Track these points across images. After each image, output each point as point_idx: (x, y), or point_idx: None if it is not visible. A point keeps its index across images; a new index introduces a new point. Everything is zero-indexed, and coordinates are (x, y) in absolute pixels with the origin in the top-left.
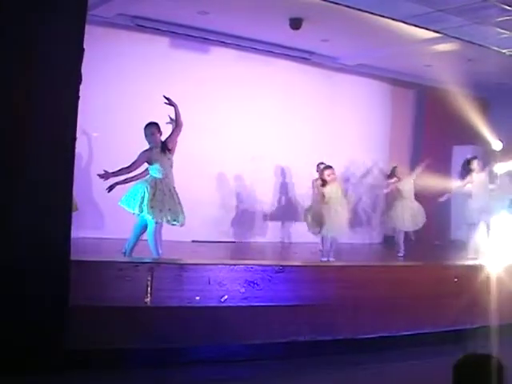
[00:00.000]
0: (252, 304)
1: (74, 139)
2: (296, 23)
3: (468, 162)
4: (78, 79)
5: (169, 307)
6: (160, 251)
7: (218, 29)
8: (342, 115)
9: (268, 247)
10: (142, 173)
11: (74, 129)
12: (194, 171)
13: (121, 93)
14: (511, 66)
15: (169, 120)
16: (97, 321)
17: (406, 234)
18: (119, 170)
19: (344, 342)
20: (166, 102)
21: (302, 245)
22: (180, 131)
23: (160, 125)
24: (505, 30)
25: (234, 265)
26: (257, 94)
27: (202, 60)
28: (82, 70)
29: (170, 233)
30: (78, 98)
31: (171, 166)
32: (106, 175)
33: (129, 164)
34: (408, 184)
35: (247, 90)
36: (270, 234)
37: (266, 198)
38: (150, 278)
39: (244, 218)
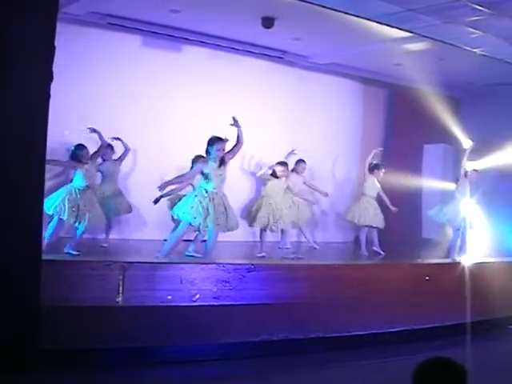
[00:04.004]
0: (224, 303)
1: (45, 138)
2: (268, 22)
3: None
4: (49, 78)
5: (141, 307)
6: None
7: (190, 27)
8: (314, 114)
9: (238, 246)
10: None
11: (44, 128)
12: (163, 168)
13: (92, 91)
14: (482, 66)
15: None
16: (69, 320)
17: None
18: (174, 178)
19: (316, 340)
20: (232, 123)
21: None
22: (240, 149)
23: None
24: (476, 29)
25: (206, 264)
26: (230, 93)
27: (175, 59)
28: (54, 69)
29: (141, 232)
30: (49, 96)
31: (222, 181)
32: (163, 185)
33: (183, 173)
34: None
35: (220, 88)
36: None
37: (237, 195)
38: (121, 278)
39: None
